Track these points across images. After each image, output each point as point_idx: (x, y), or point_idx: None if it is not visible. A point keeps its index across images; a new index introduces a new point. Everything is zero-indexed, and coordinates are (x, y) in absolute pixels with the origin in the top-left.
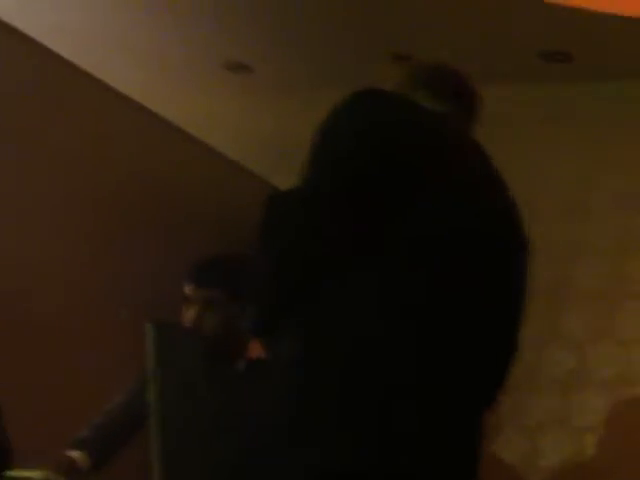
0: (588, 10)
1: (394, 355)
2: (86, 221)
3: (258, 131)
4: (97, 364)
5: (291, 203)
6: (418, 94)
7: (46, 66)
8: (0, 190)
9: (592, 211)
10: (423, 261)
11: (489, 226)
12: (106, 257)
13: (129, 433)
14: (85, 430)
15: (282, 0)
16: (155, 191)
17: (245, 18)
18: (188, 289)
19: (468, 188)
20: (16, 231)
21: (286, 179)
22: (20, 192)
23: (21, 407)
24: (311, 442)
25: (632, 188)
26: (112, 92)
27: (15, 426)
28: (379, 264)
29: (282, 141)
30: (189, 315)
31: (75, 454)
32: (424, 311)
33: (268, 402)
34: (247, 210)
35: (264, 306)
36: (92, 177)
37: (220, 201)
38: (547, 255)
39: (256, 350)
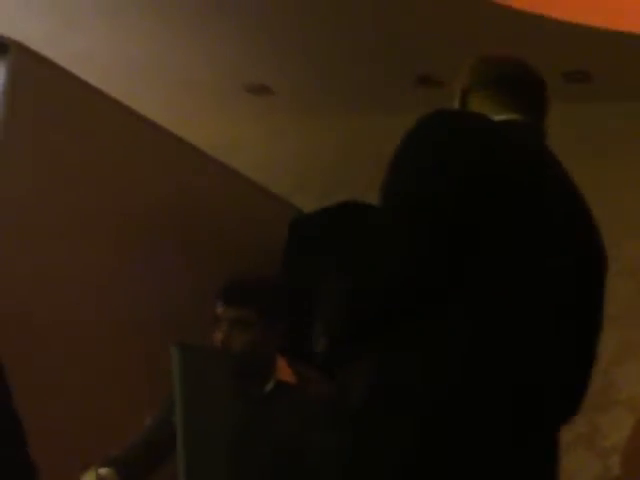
0: (606, 29)
1: (483, 418)
2: (112, 241)
3: (279, 152)
4: (118, 384)
5: (384, 234)
6: (493, 99)
7: (74, 93)
8: (29, 210)
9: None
10: (516, 296)
11: (580, 254)
12: (131, 277)
13: (159, 455)
14: (116, 450)
15: (303, 23)
16: (178, 212)
17: (266, 41)
18: (218, 309)
19: (559, 217)
20: (40, 248)
21: (307, 200)
22: (54, 214)
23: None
24: None
25: None
26: (137, 116)
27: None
28: (470, 300)
29: (303, 162)
30: (219, 335)
31: (104, 471)
32: (517, 358)
33: (329, 438)
34: (269, 231)
35: (339, 337)
36: (118, 199)
37: (242, 222)
38: None
39: (285, 372)
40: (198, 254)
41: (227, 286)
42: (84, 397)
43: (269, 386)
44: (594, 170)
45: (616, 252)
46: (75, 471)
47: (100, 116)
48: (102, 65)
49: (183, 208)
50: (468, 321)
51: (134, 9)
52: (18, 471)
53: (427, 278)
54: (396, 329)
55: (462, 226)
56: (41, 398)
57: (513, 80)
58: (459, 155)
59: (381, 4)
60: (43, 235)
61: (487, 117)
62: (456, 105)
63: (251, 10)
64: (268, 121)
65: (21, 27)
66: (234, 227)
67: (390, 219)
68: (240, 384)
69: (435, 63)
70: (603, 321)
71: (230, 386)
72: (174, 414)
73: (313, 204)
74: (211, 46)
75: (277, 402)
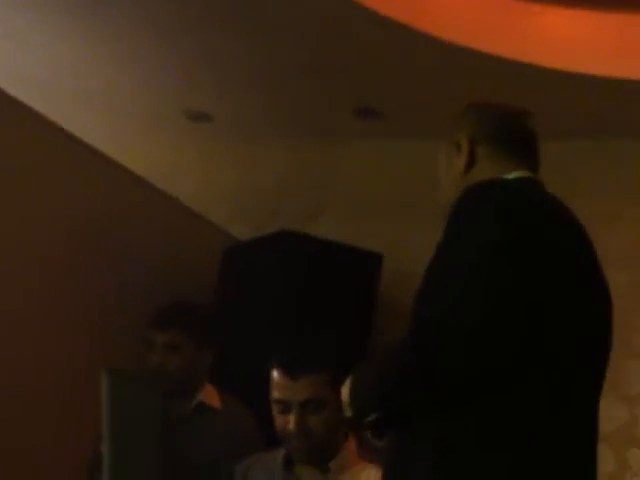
0: (543, 67)
1: None
2: (43, 267)
3: (218, 180)
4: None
5: (453, 316)
6: (500, 154)
7: (9, 113)
8: None
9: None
10: (565, 381)
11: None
12: (62, 302)
13: None
14: None
15: (243, 50)
16: (113, 238)
17: (206, 67)
18: (151, 333)
19: (592, 278)
20: None
21: (243, 229)
22: None
23: None
24: None
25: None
26: (75, 140)
27: None
28: (537, 383)
29: (241, 191)
30: (152, 358)
31: None
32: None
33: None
34: (205, 259)
35: (390, 405)
36: (51, 222)
37: (178, 250)
38: None
39: (211, 396)
40: (131, 280)
41: (159, 312)
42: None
43: (191, 406)
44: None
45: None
46: None
47: (36, 138)
48: (41, 87)
49: (118, 234)
50: (536, 406)
51: (75, 32)
52: None
53: (498, 359)
54: (460, 410)
55: (531, 306)
56: None
57: (515, 135)
58: (520, 234)
59: (322, 35)
60: None
61: (527, 191)
62: (464, 154)
63: (191, 36)
64: (207, 148)
65: None
66: (169, 254)
67: (461, 301)
68: (166, 404)
69: (374, 95)
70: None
71: (158, 409)
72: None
73: (249, 233)
74: (151, 72)
75: (197, 424)
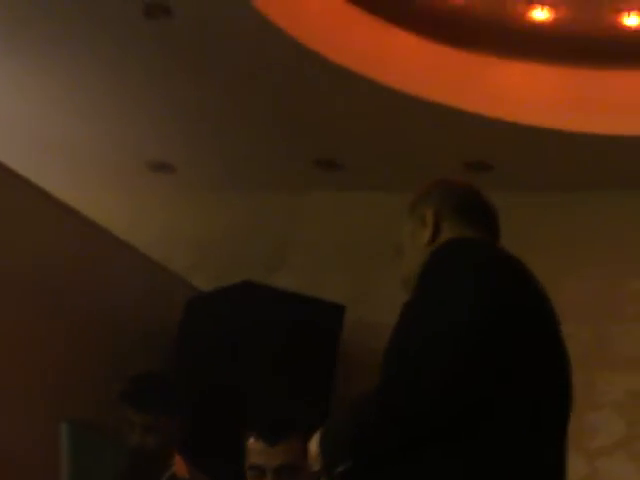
0: (507, 121)
1: None
2: (3, 315)
3: (179, 230)
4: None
5: (423, 360)
6: (463, 226)
7: None
8: None
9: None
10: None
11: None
12: (20, 357)
13: None
14: None
15: (205, 102)
16: (74, 287)
17: (168, 119)
18: (129, 412)
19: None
20: None
21: (204, 279)
22: None
23: None
24: None
25: None
26: (36, 189)
27: None
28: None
29: (202, 241)
30: (133, 439)
31: None
32: None
33: None
34: (166, 309)
35: (369, 456)
36: (4, 275)
37: (139, 300)
38: None
39: (180, 468)
40: (91, 330)
41: (136, 389)
42: None
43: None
44: None
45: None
46: None
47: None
48: (5, 137)
49: (78, 283)
50: (503, 444)
51: (33, 79)
52: None
53: (462, 403)
54: (433, 444)
55: (496, 355)
56: None
57: (477, 208)
58: (487, 288)
59: (284, 87)
60: None
61: (491, 248)
62: (429, 227)
63: (153, 87)
64: (169, 198)
65: None
66: (131, 304)
67: (430, 347)
68: (137, 476)
69: (334, 146)
70: None
71: (115, 458)
72: None
73: (211, 283)
74: (113, 122)
75: None
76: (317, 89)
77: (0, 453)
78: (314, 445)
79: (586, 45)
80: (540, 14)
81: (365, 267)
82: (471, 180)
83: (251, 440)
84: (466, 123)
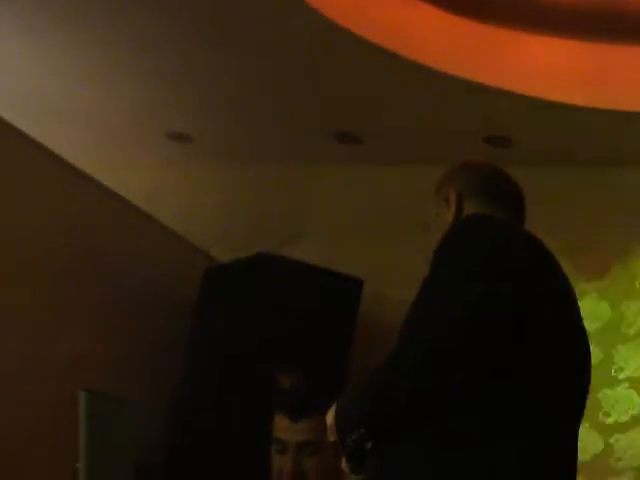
0: (527, 96)
1: None
2: (19, 287)
3: (198, 201)
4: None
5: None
6: (486, 208)
7: None
8: None
9: None
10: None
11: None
12: (40, 326)
13: None
14: None
15: (225, 72)
16: (93, 258)
17: (188, 88)
18: (281, 428)
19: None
20: None
21: (224, 251)
22: None
23: None
24: None
25: None
26: (56, 158)
27: None
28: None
29: (221, 212)
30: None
31: None
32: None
33: None
34: (185, 280)
35: (383, 428)
36: (30, 240)
37: (157, 272)
38: None
39: None
40: (111, 301)
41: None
42: None
43: None
44: None
45: None
46: None
47: (16, 155)
48: (22, 104)
49: (98, 255)
50: (522, 418)
51: (57, 49)
52: None
53: (473, 381)
54: (448, 420)
55: (511, 328)
56: None
57: (499, 188)
58: (503, 262)
59: (305, 59)
60: None
61: (511, 226)
62: (452, 207)
63: (175, 56)
64: (188, 169)
65: None
66: (150, 275)
67: (442, 318)
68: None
69: (354, 120)
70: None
71: (128, 428)
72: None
73: (229, 255)
74: (133, 92)
75: None
76: (337, 61)
77: (25, 418)
78: (330, 416)
79: (608, 19)
80: None
81: (384, 241)
82: (490, 155)
83: (278, 416)
84: (486, 97)
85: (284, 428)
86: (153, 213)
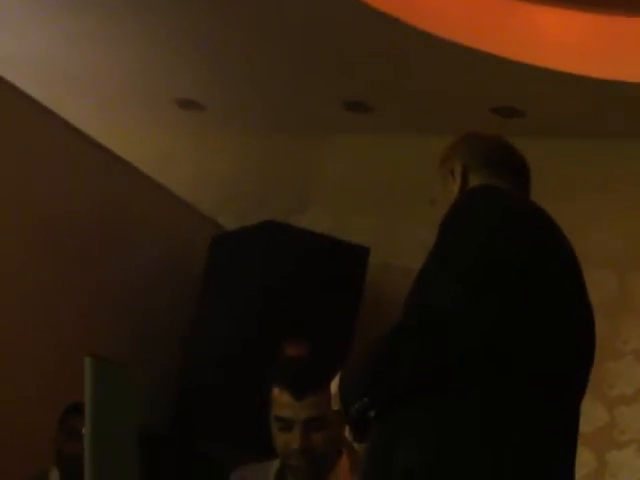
0: (535, 66)
1: None
2: (28, 252)
3: (207, 169)
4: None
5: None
6: (491, 179)
7: (3, 99)
8: None
9: None
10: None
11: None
12: (49, 289)
13: None
14: None
15: (235, 41)
16: (100, 223)
17: (198, 56)
18: (284, 403)
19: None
20: None
21: (232, 218)
22: None
23: None
24: None
25: None
26: (65, 124)
27: None
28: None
29: (230, 181)
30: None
31: None
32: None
33: None
34: (192, 247)
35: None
36: (39, 206)
37: (165, 238)
38: None
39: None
40: (119, 266)
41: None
42: None
43: None
44: None
45: None
46: None
47: (27, 122)
48: (34, 71)
49: (107, 220)
50: (525, 389)
51: (68, 16)
52: None
53: (474, 349)
54: (451, 389)
55: (514, 298)
56: None
57: (504, 160)
58: (508, 232)
59: (315, 28)
60: None
61: (515, 195)
62: (457, 180)
63: (186, 25)
64: (198, 137)
65: None
66: (158, 241)
67: (446, 288)
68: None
69: (364, 88)
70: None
71: (135, 394)
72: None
73: (237, 222)
74: (144, 60)
75: None
76: (347, 30)
77: (31, 385)
78: (334, 385)
79: None
80: None
81: (391, 210)
82: (500, 126)
83: (276, 391)
84: (496, 67)
85: (287, 405)
86: (162, 180)
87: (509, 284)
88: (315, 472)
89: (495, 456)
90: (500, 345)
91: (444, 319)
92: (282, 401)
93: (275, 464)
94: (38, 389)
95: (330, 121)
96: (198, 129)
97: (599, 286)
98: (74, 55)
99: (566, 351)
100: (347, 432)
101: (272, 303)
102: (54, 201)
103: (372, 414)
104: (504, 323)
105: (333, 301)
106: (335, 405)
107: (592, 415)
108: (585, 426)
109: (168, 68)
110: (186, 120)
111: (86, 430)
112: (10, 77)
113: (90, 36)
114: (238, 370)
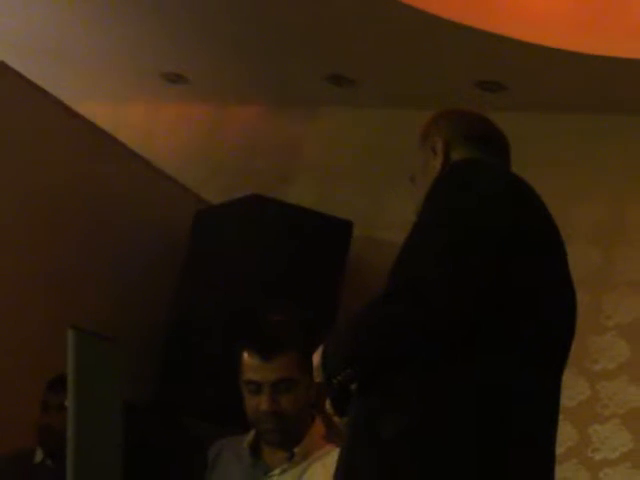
0: (521, 41)
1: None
2: (14, 222)
3: (192, 142)
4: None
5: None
6: (473, 154)
7: None
8: None
9: None
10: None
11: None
12: (32, 262)
13: None
14: None
15: (220, 12)
16: (83, 196)
17: (184, 30)
18: (248, 368)
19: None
20: None
21: (216, 191)
22: None
23: None
24: None
25: None
26: (50, 97)
27: None
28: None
29: (214, 153)
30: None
31: None
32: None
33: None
34: (176, 221)
35: (374, 365)
36: (22, 179)
37: (148, 211)
38: None
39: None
40: (102, 240)
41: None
42: None
43: None
44: None
45: None
46: None
47: (11, 95)
48: (18, 44)
49: (90, 193)
50: (507, 365)
51: None
52: None
53: (460, 321)
54: (435, 361)
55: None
56: None
57: (485, 136)
58: (496, 206)
59: (297, 2)
60: None
61: (499, 168)
62: (439, 156)
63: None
64: (182, 110)
65: None
66: (141, 215)
67: (431, 259)
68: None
69: (348, 62)
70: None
71: (119, 367)
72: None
73: (221, 196)
74: (129, 32)
75: None
76: (330, 3)
77: (12, 354)
78: (317, 357)
79: None
80: None
81: (375, 184)
82: (484, 100)
83: (245, 355)
84: (480, 41)
85: (255, 367)
86: (146, 154)
87: (492, 255)
88: (285, 435)
89: (478, 429)
90: (483, 317)
91: (428, 290)
92: (250, 364)
93: (251, 434)
94: (22, 362)
95: (314, 94)
96: (182, 102)
97: (583, 260)
98: (56, 28)
99: (547, 324)
100: (328, 405)
101: (256, 277)
102: (34, 173)
103: (354, 387)
104: (487, 295)
105: (317, 274)
106: (318, 377)
107: (575, 389)
108: (568, 400)
109: (153, 42)
110: (170, 93)
111: (69, 403)
112: None
113: (75, 11)
114: (222, 343)
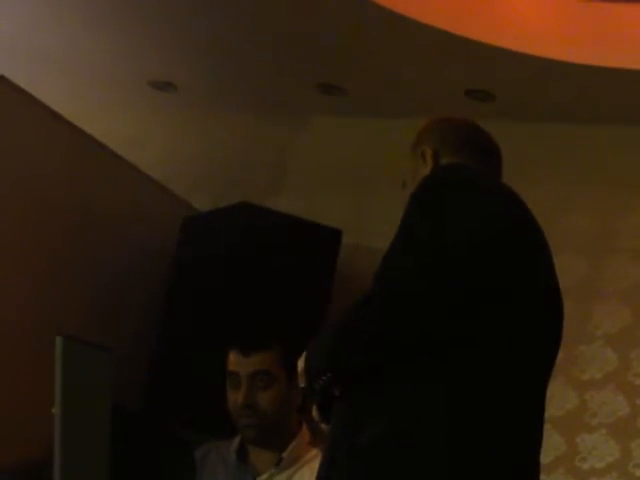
0: (511, 50)
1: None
2: (2, 229)
3: (180, 150)
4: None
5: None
6: (460, 158)
7: None
8: None
9: None
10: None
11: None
12: (17, 262)
13: None
14: None
15: (208, 18)
16: (72, 204)
17: (171, 37)
18: (232, 361)
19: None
20: None
21: (204, 199)
22: None
23: None
24: None
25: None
26: (38, 104)
27: None
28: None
29: (203, 161)
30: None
31: None
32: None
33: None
34: (164, 228)
35: (351, 369)
36: (9, 187)
37: (137, 219)
38: None
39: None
40: (90, 247)
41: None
42: None
43: None
44: None
45: None
46: None
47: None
48: (5, 50)
49: (77, 200)
50: (490, 371)
51: None
52: None
53: (435, 328)
54: (414, 363)
55: (479, 274)
56: None
57: (475, 144)
58: (481, 209)
59: (290, 7)
60: None
61: (485, 177)
62: (429, 164)
63: (157, 7)
64: (170, 117)
65: None
66: (129, 222)
67: (411, 262)
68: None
69: (338, 71)
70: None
71: (108, 375)
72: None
73: (210, 204)
74: (116, 39)
75: None
76: (321, 12)
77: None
78: (301, 362)
79: None
80: None
81: (364, 192)
82: (474, 109)
83: (230, 354)
84: (470, 51)
85: (235, 361)
86: (135, 162)
87: (474, 261)
88: (262, 433)
89: (449, 435)
90: (465, 323)
91: (407, 294)
92: (232, 359)
93: (237, 439)
94: (9, 369)
95: (303, 103)
96: (171, 110)
97: (571, 270)
98: (43, 32)
99: (532, 333)
100: (314, 411)
101: (245, 285)
102: (21, 179)
103: (337, 393)
104: (469, 300)
105: (306, 282)
106: (302, 382)
107: (563, 399)
108: (556, 410)
109: (140, 49)
110: (159, 101)
111: (56, 410)
112: None
113: (62, 17)
114: (210, 351)
